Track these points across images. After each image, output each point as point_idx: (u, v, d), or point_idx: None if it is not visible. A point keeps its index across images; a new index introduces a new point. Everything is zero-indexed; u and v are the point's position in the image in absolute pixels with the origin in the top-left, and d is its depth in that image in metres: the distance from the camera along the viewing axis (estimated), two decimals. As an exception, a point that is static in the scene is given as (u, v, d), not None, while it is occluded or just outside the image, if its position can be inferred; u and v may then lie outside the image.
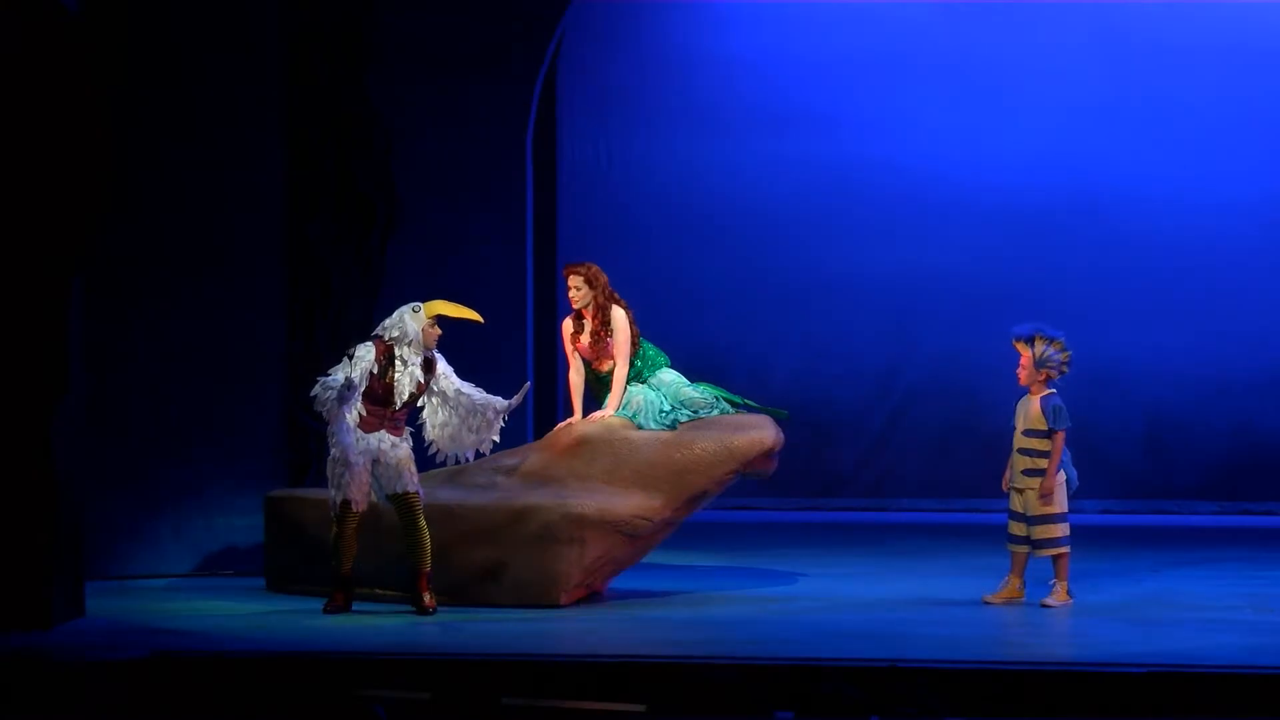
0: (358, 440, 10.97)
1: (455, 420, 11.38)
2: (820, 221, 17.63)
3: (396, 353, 11.07)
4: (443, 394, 11.31)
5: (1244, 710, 8.71)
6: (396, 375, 11.05)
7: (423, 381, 11.15)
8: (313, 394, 11.06)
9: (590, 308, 11.82)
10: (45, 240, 10.68)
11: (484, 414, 11.37)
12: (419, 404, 11.27)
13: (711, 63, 17.72)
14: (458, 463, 11.59)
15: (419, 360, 11.12)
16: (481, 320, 11.34)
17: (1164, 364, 17.32)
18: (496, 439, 11.47)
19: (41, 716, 8.68)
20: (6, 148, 10.63)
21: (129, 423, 12.69)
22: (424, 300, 11.24)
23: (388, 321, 11.16)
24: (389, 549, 11.24)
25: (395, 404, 11.07)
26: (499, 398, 11.38)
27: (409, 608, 11.06)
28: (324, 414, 11.03)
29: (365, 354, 11.04)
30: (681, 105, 17.73)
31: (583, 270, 11.83)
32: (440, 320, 11.18)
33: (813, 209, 17.64)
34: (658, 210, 17.76)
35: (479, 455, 11.58)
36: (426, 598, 10.99)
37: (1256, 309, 17.29)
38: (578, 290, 11.79)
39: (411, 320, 11.10)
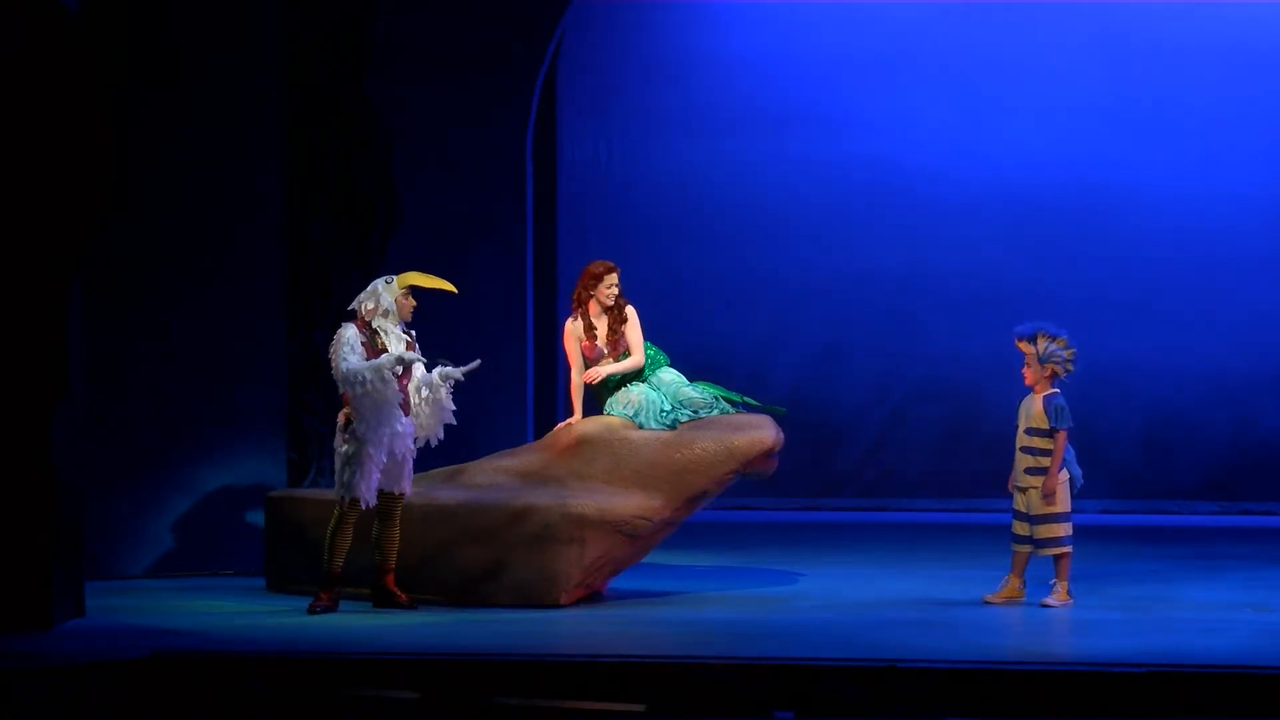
0: (395, 420, 10.98)
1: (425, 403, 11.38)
2: (820, 221, 17.63)
3: (375, 325, 11.11)
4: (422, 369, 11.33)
5: (1244, 710, 8.71)
6: (385, 342, 11.08)
7: (410, 344, 11.16)
8: (359, 380, 10.95)
9: (616, 308, 11.86)
10: (45, 240, 10.68)
11: (431, 386, 11.31)
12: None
13: (711, 63, 17.73)
14: (429, 446, 11.51)
15: (399, 330, 11.15)
16: (454, 290, 11.35)
17: (1164, 364, 17.33)
18: (454, 408, 11.37)
19: (41, 716, 8.68)
20: (6, 148, 10.64)
21: (129, 423, 12.69)
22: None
23: (361, 295, 11.21)
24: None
25: (396, 371, 11.07)
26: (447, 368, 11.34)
27: (408, 609, 11.08)
28: (363, 396, 10.95)
29: (350, 334, 11.06)
30: (681, 105, 17.74)
31: (618, 270, 11.91)
32: (416, 294, 11.23)
33: (813, 209, 17.64)
34: (658, 210, 17.76)
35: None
36: (400, 593, 11.07)
37: (1257, 309, 17.29)
38: (617, 288, 11.86)
39: (385, 292, 11.15)
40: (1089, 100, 17.38)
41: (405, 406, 11.14)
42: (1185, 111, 17.33)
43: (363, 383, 10.94)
